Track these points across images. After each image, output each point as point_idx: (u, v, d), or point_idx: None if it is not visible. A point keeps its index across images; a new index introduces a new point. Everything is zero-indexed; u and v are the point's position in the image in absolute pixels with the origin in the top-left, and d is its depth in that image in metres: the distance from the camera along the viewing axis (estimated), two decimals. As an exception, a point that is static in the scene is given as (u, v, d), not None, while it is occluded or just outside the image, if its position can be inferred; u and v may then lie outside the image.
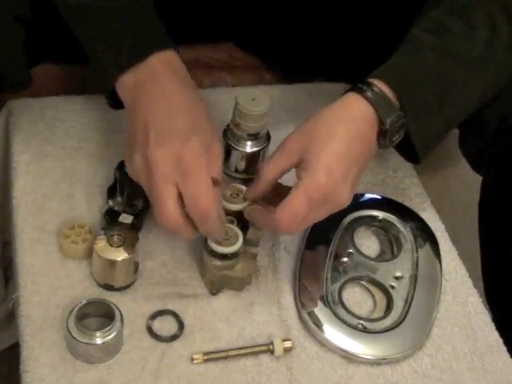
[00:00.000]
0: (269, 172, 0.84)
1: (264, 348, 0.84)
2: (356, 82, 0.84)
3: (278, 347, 0.84)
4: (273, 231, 0.85)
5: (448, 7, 0.88)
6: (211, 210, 0.78)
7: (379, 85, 0.83)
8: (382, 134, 0.83)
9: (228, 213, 0.87)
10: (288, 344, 0.84)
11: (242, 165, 0.90)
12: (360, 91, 0.83)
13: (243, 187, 0.89)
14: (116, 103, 0.87)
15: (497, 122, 0.92)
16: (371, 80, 0.84)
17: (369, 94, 0.82)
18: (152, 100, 0.81)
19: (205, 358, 0.83)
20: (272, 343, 0.84)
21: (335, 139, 0.81)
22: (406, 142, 0.86)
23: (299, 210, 0.80)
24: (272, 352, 0.84)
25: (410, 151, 0.88)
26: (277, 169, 0.83)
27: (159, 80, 0.82)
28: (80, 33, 0.87)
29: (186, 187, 0.77)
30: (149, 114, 0.80)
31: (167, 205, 0.78)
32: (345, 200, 0.82)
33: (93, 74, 0.90)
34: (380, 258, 0.95)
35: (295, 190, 0.80)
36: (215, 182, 0.79)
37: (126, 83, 0.83)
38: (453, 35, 0.86)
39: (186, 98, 0.82)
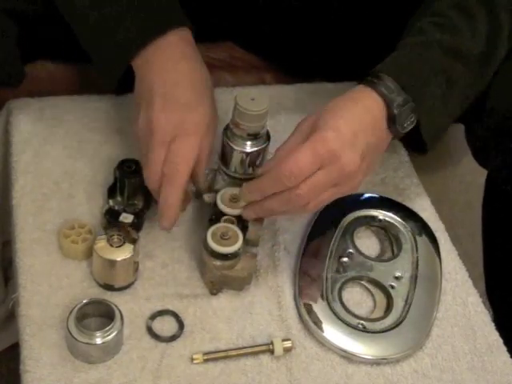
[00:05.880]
0: (283, 150, 0.83)
1: (264, 348, 0.84)
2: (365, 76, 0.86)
3: (278, 347, 0.84)
4: (274, 186, 0.82)
5: (451, 1, 0.89)
6: (183, 173, 0.84)
7: (386, 77, 0.84)
8: (392, 119, 0.83)
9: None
10: (288, 344, 0.84)
11: (241, 165, 0.90)
12: (366, 82, 0.85)
13: None
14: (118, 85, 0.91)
15: (503, 111, 0.92)
16: (379, 73, 0.85)
17: (375, 80, 0.84)
18: (163, 69, 0.86)
19: (205, 357, 0.83)
20: (272, 343, 0.84)
21: (344, 110, 0.83)
22: (414, 134, 0.87)
23: (304, 162, 0.79)
24: (272, 352, 0.84)
25: (417, 142, 0.89)
26: (291, 146, 0.83)
27: (174, 53, 0.88)
28: (90, 10, 0.90)
29: (177, 143, 0.84)
30: (158, 80, 0.86)
31: (156, 166, 0.84)
32: (353, 166, 0.81)
33: (100, 59, 0.93)
34: (380, 257, 0.95)
35: (302, 145, 0.80)
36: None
37: (145, 56, 0.87)
38: (458, 32, 0.87)
39: (195, 72, 0.88)
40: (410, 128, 0.85)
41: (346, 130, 0.80)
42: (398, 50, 0.88)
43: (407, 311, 0.88)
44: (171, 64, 0.87)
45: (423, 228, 0.97)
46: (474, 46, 0.87)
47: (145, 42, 0.87)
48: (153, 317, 0.85)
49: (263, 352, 0.84)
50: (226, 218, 0.88)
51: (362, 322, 0.87)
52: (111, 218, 0.90)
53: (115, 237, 0.85)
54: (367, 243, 0.97)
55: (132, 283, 0.88)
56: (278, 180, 0.80)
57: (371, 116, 0.83)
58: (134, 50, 0.88)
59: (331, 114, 0.82)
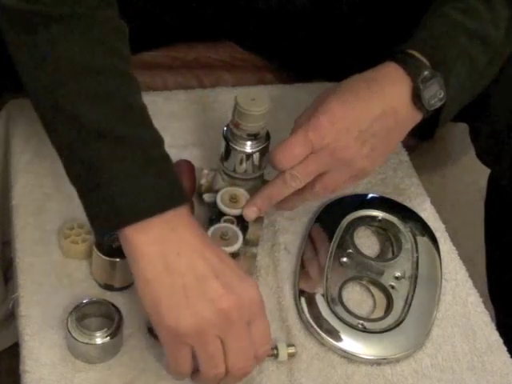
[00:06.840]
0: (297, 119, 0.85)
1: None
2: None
3: (283, 352, 0.82)
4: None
5: None
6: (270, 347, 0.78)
7: (413, 52, 0.83)
8: (416, 94, 0.82)
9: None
10: (292, 350, 0.83)
11: (241, 165, 0.90)
12: (392, 58, 0.84)
13: (242, 191, 0.89)
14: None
15: (510, 110, 0.92)
16: (405, 49, 0.84)
17: (399, 55, 0.83)
18: (193, 245, 0.72)
19: (205, 358, 0.82)
20: (276, 348, 0.83)
21: (349, 92, 0.82)
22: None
23: (294, 146, 0.81)
24: (276, 356, 0.83)
25: (421, 127, 0.88)
26: (300, 121, 0.84)
27: (189, 229, 0.73)
28: (91, 159, 0.77)
29: (258, 329, 0.74)
30: (199, 259, 0.72)
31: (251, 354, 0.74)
32: (346, 152, 0.81)
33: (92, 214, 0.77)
34: (380, 258, 0.95)
35: (297, 130, 0.81)
36: None
37: (145, 228, 0.72)
38: (481, 19, 0.87)
39: (216, 246, 0.76)
40: (438, 105, 0.83)
41: (342, 116, 0.81)
42: (423, 30, 0.87)
43: (407, 311, 0.88)
44: (197, 241, 0.73)
45: (423, 228, 0.97)
46: (495, 34, 0.87)
47: (165, 210, 0.72)
48: (153, 317, 0.85)
49: (267, 356, 0.82)
50: (226, 217, 0.88)
51: (362, 321, 0.87)
52: (111, 218, 0.90)
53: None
54: (367, 243, 0.97)
55: (132, 283, 0.87)
56: (272, 163, 0.83)
57: (383, 100, 0.82)
58: (135, 217, 0.72)
59: (336, 97, 0.82)
